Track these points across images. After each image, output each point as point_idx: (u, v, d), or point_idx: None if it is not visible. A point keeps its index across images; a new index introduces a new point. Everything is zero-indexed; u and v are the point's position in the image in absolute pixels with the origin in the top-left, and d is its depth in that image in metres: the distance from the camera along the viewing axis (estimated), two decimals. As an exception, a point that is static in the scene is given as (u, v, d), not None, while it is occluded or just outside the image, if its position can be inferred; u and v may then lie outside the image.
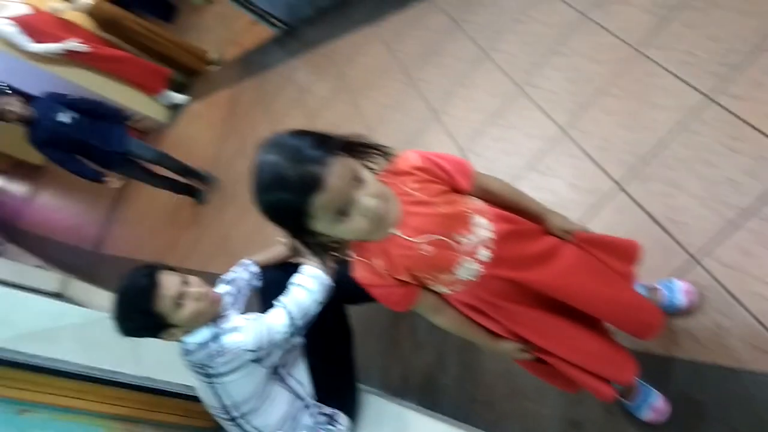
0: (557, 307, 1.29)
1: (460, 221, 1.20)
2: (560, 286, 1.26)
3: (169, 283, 1.75)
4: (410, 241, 1.17)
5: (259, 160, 1.08)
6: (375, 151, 1.18)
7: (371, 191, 1.10)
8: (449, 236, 1.18)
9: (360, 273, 1.23)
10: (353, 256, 1.23)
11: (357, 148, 1.14)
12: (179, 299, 1.75)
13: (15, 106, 4.03)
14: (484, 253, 1.21)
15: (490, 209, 1.27)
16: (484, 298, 1.26)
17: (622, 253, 1.44)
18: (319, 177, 1.02)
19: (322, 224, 1.08)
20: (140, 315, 1.73)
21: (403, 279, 1.21)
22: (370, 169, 1.16)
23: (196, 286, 1.80)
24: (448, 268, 1.20)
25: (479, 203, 1.27)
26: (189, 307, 1.75)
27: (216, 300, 1.86)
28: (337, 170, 1.04)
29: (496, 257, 1.21)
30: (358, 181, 1.08)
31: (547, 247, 1.30)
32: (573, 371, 1.34)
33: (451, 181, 1.25)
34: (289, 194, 1.03)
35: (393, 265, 1.19)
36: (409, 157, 1.24)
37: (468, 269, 1.20)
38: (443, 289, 1.26)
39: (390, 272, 1.20)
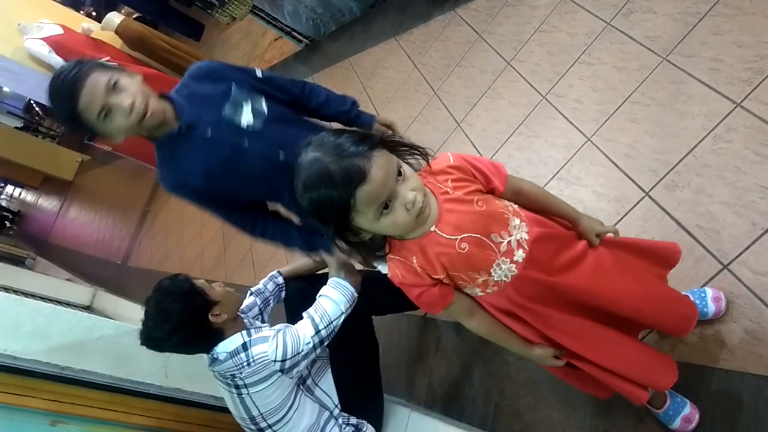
0: (592, 313, 1.29)
1: (497, 220, 1.21)
2: (592, 287, 1.26)
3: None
4: (448, 238, 1.18)
5: (302, 159, 1.10)
6: (412, 150, 1.19)
7: (412, 185, 1.11)
8: (487, 235, 1.19)
9: (397, 272, 1.23)
10: (391, 255, 1.23)
11: (395, 147, 1.15)
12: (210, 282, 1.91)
13: (157, 104, 1.72)
14: (520, 254, 1.21)
15: (524, 213, 1.28)
16: (517, 301, 1.26)
17: (658, 257, 1.43)
18: (362, 169, 1.03)
19: (365, 219, 1.09)
20: (186, 296, 1.81)
21: (440, 278, 1.21)
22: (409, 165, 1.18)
23: None
24: (485, 268, 1.20)
25: (514, 205, 1.28)
26: (219, 287, 1.91)
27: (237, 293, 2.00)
28: (380, 163, 1.06)
29: (530, 259, 1.22)
30: (399, 175, 1.10)
31: (580, 252, 1.30)
32: (606, 376, 1.33)
33: (485, 182, 1.27)
34: (334, 189, 1.04)
35: (430, 264, 1.20)
36: (444, 157, 1.27)
37: (504, 270, 1.21)
38: (477, 291, 1.26)
39: (427, 271, 1.20)
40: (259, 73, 1.92)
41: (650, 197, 1.94)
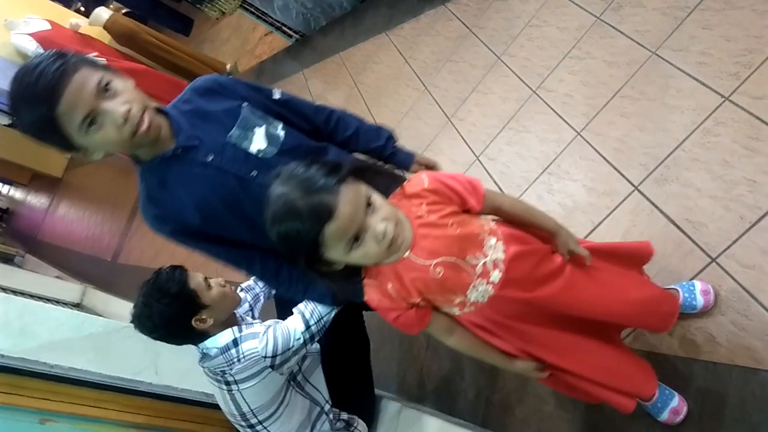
0: (572, 324, 1.28)
1: (472, 243, 1.20)
2: (572, 298, 1.25)
3: (196, 273, 1.91)
4: (423, 263, 1.17)
5: (272, 191, 1.09)
6: (385, 176, 1.18)
7: (383, 215, 1.10)
8: (462, 258, 1.18)
9: (372, 296, 1.22)
10: (367, 280, 1.22)
11: (367, 174, 1.14)
12: (207, 280, 1.88)
13: (154, 117, 1.41)
14: (496, 275, 1.20)
15: (502, 230, 1.26)
16: (495, 319, 1.25)
17: (633, 258, 1.44)
18: (330, 206, 1.02)
19: (335, 252, 1.09)
20: (173, 299, 1.77)
21: (416, 302, 1.21)
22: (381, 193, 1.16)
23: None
24: (461, 290, 1.19)
25: (491, 224, 1.26)
26: (216, 288, 1.87)
27: (235, 293, 1.97)
28: (348, 198, 1.05)
29: (507, 278, 1.20)
30: (369, 206, 1.09)
31: (558, 265, 1.28)
32: (591, 387, 1.33)
33: (461, 202, 1.24)
34: (302, 225, 1.04)
35: (405, 289, 1.19)
36: (419, 180, 1.24)
37: (480, 291, 1.20)
38: (454, 311, 1.25)
39: (402, 295, 1.20)
40: (276, 95, 1.62)
41: (639, 191, 1.95)
